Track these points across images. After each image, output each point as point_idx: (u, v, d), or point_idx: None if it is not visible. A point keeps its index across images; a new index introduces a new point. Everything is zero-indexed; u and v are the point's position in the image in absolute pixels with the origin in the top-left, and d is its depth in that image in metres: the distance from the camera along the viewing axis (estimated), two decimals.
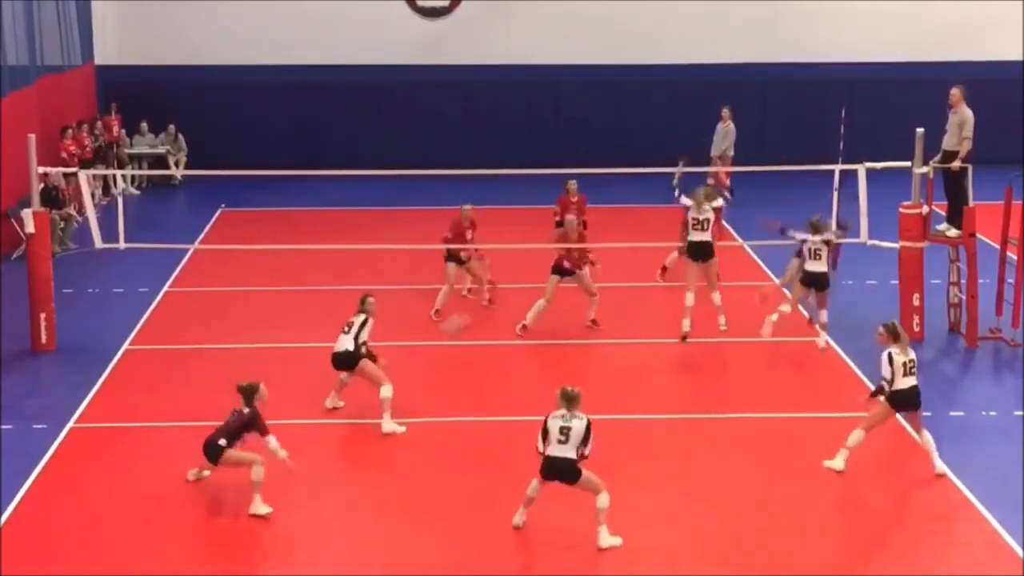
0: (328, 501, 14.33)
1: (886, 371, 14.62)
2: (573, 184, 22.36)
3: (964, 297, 19.82)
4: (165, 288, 22.53)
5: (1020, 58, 31.91)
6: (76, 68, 30.34)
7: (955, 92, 19.56)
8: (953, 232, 19.72)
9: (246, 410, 14.18)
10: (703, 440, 16.06)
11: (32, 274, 19.37)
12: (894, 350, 14.69)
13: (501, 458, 15.38)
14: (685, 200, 19.83)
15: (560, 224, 21.32)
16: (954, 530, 13.76)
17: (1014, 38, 31.91)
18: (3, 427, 16.37)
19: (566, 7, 32.19)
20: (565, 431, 13.08)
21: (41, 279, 19.34)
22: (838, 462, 14.91)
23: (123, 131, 31.14)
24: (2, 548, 13.18)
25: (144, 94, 31.66)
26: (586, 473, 13.19)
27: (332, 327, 20.26)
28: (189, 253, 24.08)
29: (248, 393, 14.28)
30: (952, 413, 17.02)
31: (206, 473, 14.62)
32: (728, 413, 16.97)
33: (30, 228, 19.34)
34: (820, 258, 18.99)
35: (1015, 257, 19.65)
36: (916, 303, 19.70)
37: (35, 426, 16.46)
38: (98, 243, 20.30)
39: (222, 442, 13.94)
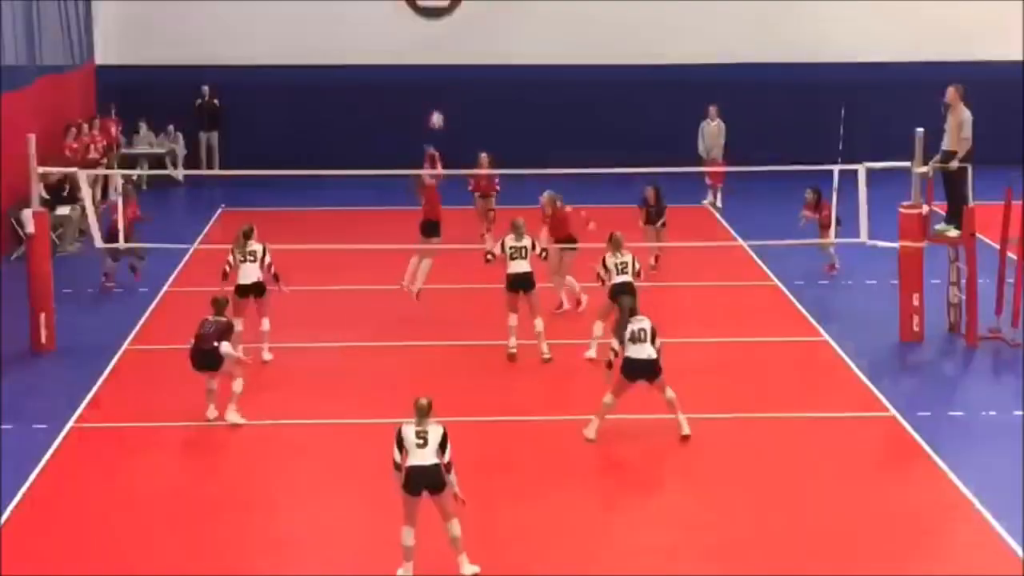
0: (328, 501, 14.32)
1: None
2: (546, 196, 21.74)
3: (964, 297, 19.80)
4: (165, 288, 22.52)
5: (1020, 58, 31.89)
6: (76, 68, 30.33)
7: (951, 91, 19.45)
8: (953, 232, 19.71)
9: (222, 319, 16.01)
10: (703, 440, 16.04)
11: (32, 274, 19.36)
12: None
13: (501, 459, 15.40)
14: None
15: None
16: (954, 530, 13.76)
17: (1013, 38, 31.87)
18: (3, 427, 16.36)
19: (566, 7, 32.17)
20: (422, 435, 12.54)
21: (41, 279, 19.33)
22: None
23: (120, 134, 31.05)
24: (2, 548, 13.18)
25: (144, 94, 31.64)
26: (451, 484, 12.61)
27: (331, 327, 20.34)
28: (189, 253, 24.06)
29: (220, 305, 16.17)
30: (952, 413, 17.01)
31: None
32: (728, 413, 16.96)
33: (30, 228, 19.34)
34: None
35: (1015, 257, 19.65)
36: (916, 303, 19.68)
37: (35, 426, 16.45)
38: (98, 243, 20.28)
39: (216, 344, 15.40)
